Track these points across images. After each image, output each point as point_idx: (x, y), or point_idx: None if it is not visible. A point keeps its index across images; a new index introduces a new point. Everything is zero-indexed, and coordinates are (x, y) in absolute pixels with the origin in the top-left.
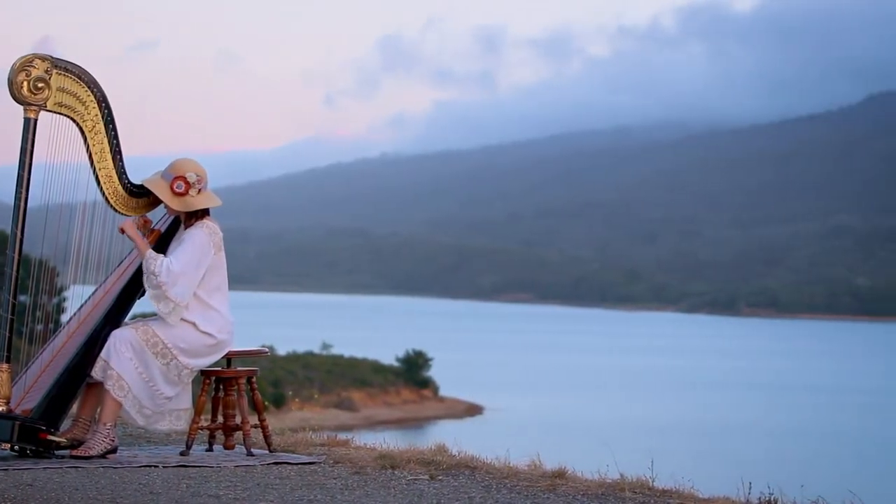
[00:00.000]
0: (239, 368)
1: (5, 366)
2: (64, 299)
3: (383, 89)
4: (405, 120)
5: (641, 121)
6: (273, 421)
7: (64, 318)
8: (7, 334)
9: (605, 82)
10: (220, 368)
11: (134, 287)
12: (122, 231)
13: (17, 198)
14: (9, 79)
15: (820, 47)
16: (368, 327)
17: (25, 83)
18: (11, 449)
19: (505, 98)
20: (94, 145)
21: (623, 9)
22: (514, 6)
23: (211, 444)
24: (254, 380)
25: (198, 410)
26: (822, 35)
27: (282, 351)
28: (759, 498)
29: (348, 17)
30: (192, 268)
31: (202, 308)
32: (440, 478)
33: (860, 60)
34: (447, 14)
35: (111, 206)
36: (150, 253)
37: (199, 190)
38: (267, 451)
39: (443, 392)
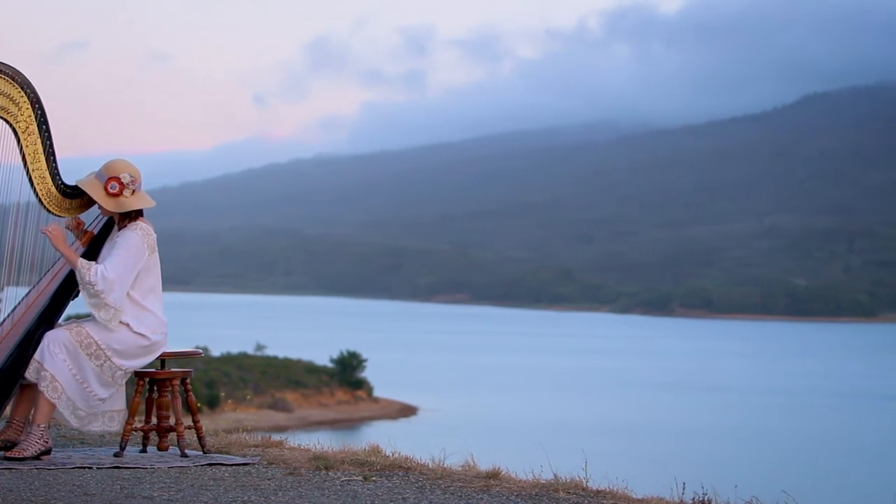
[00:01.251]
0: (173, 369)
1: None
2: None
3: (313, 91)
4: (337, 121)
5: (572, 122)
6: (207, 422)
7: None
8: None
9: (534, 84)
10: (154, 369)
11: (68, 288)
12: (45, 234)
13: None
14: None
15: (750, 49)
16: (302, 328)
17: None
18: None
19: (435, 99)
20: (27, 146)
21: (549, 11)
22: (440, 7)
23: (145, 446)
24: (188, 381)
25: (132, 412)
26: (751, 37)
27: (216, 352)
28: (693, 498)
29: (276, 18)
30: (126, 271)
31: (136, 309)
32: (374, 479)
33: (795, 61)
34: (374, 15)
35: (45, 207)
36: (82, 263)
37: (133, 191)
38: (201, 453)
39: (377, 393)
